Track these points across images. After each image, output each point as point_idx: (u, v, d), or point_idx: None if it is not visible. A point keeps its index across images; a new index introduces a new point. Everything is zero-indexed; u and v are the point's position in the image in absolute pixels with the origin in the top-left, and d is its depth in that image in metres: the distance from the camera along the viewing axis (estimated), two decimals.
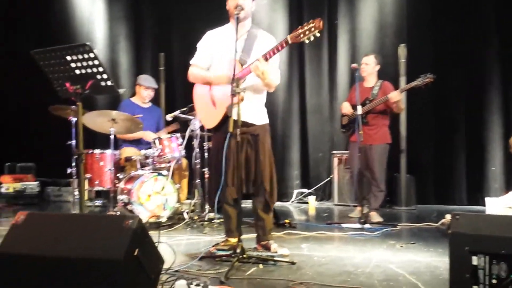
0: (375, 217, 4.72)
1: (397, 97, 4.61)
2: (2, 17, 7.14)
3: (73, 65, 2.77)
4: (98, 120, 4.34)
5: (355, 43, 6.41)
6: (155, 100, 5.54)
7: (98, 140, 5.38)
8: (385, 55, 6.17)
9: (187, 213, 4.48)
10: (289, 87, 6.63)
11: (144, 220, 4.11)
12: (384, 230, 4.19)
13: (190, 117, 4.65)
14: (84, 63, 2.74)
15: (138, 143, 5.05)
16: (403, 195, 5.81)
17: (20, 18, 7.16)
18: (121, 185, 4.42)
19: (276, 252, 3.21)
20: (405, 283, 2.57)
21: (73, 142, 4.35)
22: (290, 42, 2.95)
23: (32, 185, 6.45)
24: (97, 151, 4.61)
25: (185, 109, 4.73)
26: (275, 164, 3.32)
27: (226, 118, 3.11)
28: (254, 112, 3.24)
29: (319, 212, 5.61)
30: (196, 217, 4.43)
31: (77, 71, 2.78)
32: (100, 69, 2.75)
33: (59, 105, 4.36)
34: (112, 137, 4.32)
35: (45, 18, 7.15)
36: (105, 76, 2.77)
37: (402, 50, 5.87)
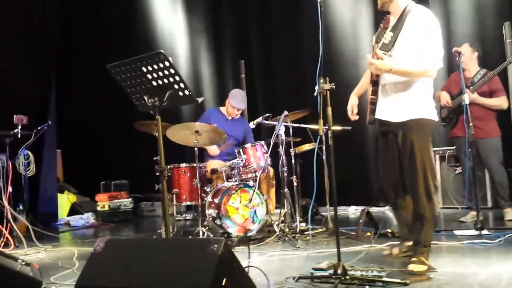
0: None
1: None
2: (89, 35, 7.40)
3: (149, 76, 2.63)
4: (182, 134, 4.24)
5: (449, 27, 5.75)
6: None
7: (186, 153, 5.30)
8: (486, 39, 5.49)
9: (277, 225, 4.20)
10: None
11: (233, 235, 4.00)
12: (508, 235, 3.61)
13: (274, 122, 4.39)
14: (160, 73, 2.59)
15: (222, 154, 4.89)
16: None
17: (104, 36, 7.39)
18: (209, 198, 4.27)
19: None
20: None
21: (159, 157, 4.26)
22: None
23: (126, 201, 6.57)
24: (183, 165, 4.50)
25: (268, 115, 4.48)
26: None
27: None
28: (393, 107, 2.88)
29: None
30: (287, 229, 4.14)
31: (154, 83, 2.63)
32: (177, 78, 2.58)
33: (144, 121, 4.33)
34: (196, 149, 4.19)
35: (128, 36, 7.33)
36: (182, 85, 2.60)
37: (507, 29, 5.15)
